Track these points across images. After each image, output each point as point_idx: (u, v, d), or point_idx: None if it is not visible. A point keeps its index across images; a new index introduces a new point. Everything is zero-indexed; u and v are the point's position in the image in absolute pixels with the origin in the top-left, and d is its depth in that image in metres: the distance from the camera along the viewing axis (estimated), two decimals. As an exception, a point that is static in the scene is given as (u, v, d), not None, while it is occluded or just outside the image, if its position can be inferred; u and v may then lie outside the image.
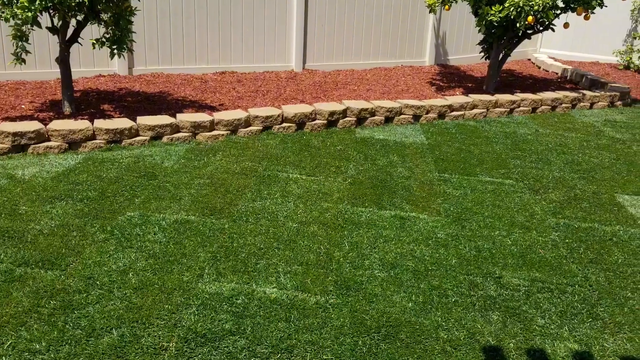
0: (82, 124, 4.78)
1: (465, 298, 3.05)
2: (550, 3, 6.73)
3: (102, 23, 5.07)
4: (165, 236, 3.46)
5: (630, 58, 10.15)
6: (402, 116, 6.23)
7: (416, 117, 6.33)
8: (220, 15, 7.75)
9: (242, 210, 3.89)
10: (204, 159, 4.77)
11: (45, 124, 4.86)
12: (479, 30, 7.64)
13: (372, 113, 6.05)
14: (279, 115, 5.56)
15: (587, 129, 6.57)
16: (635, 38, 10.23)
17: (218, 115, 5.36)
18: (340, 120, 5.89)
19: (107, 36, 5.08)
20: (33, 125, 4.64)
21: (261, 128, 5.52)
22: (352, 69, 8.96)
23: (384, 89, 7.71)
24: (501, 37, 7.65)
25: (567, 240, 3.81)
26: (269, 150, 5.08)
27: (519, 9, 6.80)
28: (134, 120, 5.12)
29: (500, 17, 6.93)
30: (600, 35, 10.58)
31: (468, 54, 10.23)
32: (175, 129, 5.13)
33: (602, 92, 7.65)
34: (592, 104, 7.57)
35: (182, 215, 3.76)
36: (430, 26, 9.48)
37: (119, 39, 5.03)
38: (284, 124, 5.61)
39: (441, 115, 6.49)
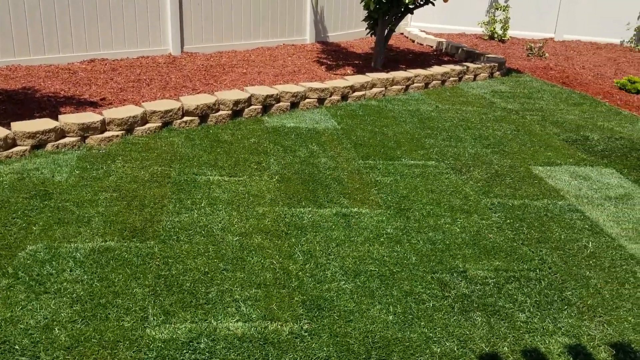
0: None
1: (442, 301, 2.87)
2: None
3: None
4: (85, 272, 2.86)
5: (494, 28, 10.72)
6: (307, 100, 5.91)
7: (320, 101, 6.05)
8: (84, -5, 6.78)
9: (169, 226, 3.36)
10: (102, 167, 4.09)
11: None
12: (365, 7, 7.49)
13: (278, 99, 5.66)
14: (179, 109, 4.96)
15: (480, 101, 6.76)
16: (497, 9, 10.81)
17: (109, 114, 4.65)
18: (246, 110, 5.43)
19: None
20: None
21: (160, 124, 4.89)
22: (233, 50, 8.41)
23: (274, 70, 7.31)
24: (386, 12, 7.58)
25: (508, 221, 3.79)
26: (177, 150, 4.51)
27: (407, -17, 6.74)
28: (7, 127, 4.25)
29: (387, -9, 6.82)
30: (466, 7, 11.02)
31: (346, 30, 10.11)
32: (61, 133, 4.35)
33: (483, 64, 7.94)
34: (475, 76, 7.82)
35: (98, 241, 3.14)
36: (309, 3, 9.18)
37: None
38: (185, 118, 5.03)
39: (344, 97, 6.27)
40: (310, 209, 3.74)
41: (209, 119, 5.19)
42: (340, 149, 4.86)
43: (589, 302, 2.94)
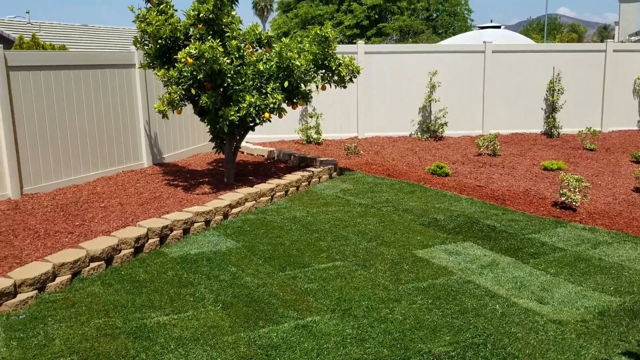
0: None
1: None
2: (279, 101, 7.67)
3: None
4: None
5: (310, 133, 12.06)
6: (196, 224, 6.12)
7: (207, 222, 6.30)
8: None
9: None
10: (40, 333, 3.83)
11: None
12: (213, 129, 8.04)
13: (171, 229, 5.78)
14: (86, 256, 4.82)
15: (337, 201, 7.65)
16: (310, 117, 12.23)
17: (17, 275, 4.34)
18: (146, 244, 5.44)
19: None
20: None
21: (70, 276, 4.68)
22: (75, 185, 8.14)
23: (135, 199, 7.31)
24: (232, 132, 8.22)
25: (429, 301, 4.51)
26: (105, 299, 4.38)
27: (257, 107, 7.52)
28: None
29: (239, 116, 7.50)
30: (283, 118, 12.21)
31: (178, 149, 10.46)
32: (-27, 306, 3.95)
33: (322, 167, 8.96)
34: (319, 178, 8.78)
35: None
36: (143, 130, 9.40)
37: None
38: (92, 264, 4.89)
39: (225, 215, 6.61)
40: (270, 327, 4.01)
41: (114, 261, 5.10)
42: (256, 266, 5.19)
43: (527, 352, 3.74)
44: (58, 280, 4.57)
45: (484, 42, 13.09)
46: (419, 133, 12.81)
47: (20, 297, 4.24)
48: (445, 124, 12.66)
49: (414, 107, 12.78)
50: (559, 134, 12.85)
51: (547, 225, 6.58)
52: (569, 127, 12.95)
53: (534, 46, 13.99)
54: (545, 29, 39.93)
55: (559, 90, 12.79)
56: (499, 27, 21.98)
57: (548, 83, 12.91)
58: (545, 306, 4.46)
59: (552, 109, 12.98)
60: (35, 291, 4.36)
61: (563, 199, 7.29)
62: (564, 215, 7.02)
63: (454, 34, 31.50)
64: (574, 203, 7.23)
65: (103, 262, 4.98)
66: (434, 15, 33.59)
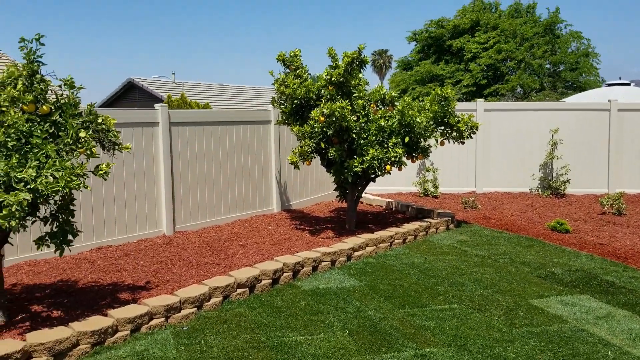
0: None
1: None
2: (400, 155, 8.30)
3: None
4: None
5: (427, 186, 12.53)
6: (323, 263, 6.82)
7: (332, 262, 6.98)
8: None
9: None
10: (201, 341, 4.64)
11: None
12: (337, 179, 8.82)
13: (302, 265, 6.51)
14: (234, 283, 5.66)
15: (454, 250, 8.02)
16: (427, 171, 12.73)
17: (182, 294, 5.25)
18: (281, 277, 6.21)
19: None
20: None
21: (221, 299, 5.53)
22: (217, 225, 9.26)
23: (268, 239, 8.19)
24: (355, 182, 8.95)
25: (542, 344, 4.77)
26: (250, 319, 5.16)
27: (379, 160, 8.21)
28: (73, 320, 4.72)
29: (362, 167, 8.22)
30: (400, 172, 12.84)
31: (303, 198, 11.39)
32: (150, 316, 4.87)
33: (440, 219, 9.37)
34: (436, 229, 9.19)
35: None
36: (274, 179, 10.44)
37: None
38: (239, 290, 5.72)
39: (348, 257, 7.25)
40: (392, 353, 4.51)
41: (256, 289, 5.90)
42: (377, 302, 5.73)
43: (640, 395, 3.91)
44: (212, 301, 5.42)
45: (609, 100, 12.95)
46: (539, 190, 12.79)
47: (184, 312, 5.12)
48: (568, 181, 12.55)
49: (534, 164, 12.83)
50: (693, 194, 12.22)
51: (672, 284, 6.49)
52: None
53: (665, 104, 13.53)
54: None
55: (692, 149, 12.25)
56: (628, 84, 21.28)
57: (680, 141, 12.41)
58: (662, 358, 4.54)
59: (685, 168, 12.40)
60: (195, 308, 5.23)
61: (691, 259, 7.11)
62: (692, 275, 6.84)
63: (578, 91, 30.67)
64: (703, 264, 7.02)
65: (247, 289, 5.80)
66: (558, 69, 32.91)
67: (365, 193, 12.54)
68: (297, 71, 8.98)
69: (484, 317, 5.40)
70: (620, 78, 23.64)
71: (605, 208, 10.84)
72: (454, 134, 9.03)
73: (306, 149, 8.44)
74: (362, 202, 11.88)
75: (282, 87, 8.83)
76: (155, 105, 8.52)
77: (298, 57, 9.02)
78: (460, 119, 8.94)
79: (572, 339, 4.91)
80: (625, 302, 5.85)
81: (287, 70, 9.10)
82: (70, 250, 6.80)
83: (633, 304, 5.79)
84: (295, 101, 8.75)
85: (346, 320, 5.22)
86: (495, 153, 12.86)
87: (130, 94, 29.18)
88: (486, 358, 4.48)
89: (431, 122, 8.66)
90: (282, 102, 9.12)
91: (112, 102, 29.85)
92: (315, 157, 8.94)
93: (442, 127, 9.07)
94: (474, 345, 4.73)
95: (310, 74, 9.12)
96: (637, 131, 12.59)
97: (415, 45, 36.10)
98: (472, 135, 9.10)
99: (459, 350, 4.62)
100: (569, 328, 5.15)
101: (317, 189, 11.91)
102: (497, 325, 5.18)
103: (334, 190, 9.51)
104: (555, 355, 4.56)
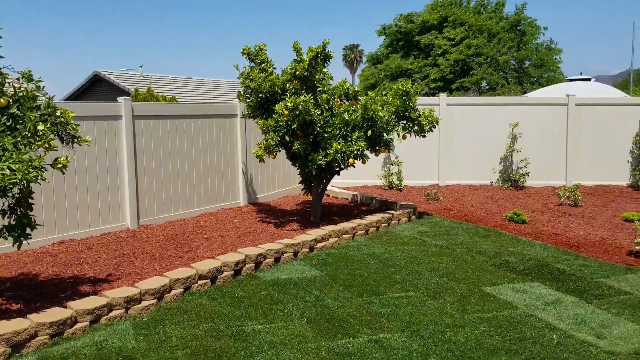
0: (15, 322, 4.30)
1: None
2: (362, 148, 8.47)
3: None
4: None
5: (392, 179, 12.76)
6: (286, 254, 6.94)
7: (295, 254, 7.11)
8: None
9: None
10: (160, 331, 4.72)
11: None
12: (302, 172, 8.95)
13: (265, 257, 6.63)
14: (195, 275, 5.75)
15: (414, 241, 8.23)
16: (392, 164, 12.96)
17: (142, 286, 5.32)
18: (243, 268, 6.32)
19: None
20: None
21: (182, 290, 5.61)
22: (182, 219, 9.29)
23: (232, 232, 8.27)
24: (320, 175, 9.09)
25: (492, 329, 4.99)
26: (210, 309, 5.26)
27: (343, 153, 8.36)
28: (33, 312, 4.76)
29: (326, 161, 8.37)
30: (366, 165, 13.03)
31: (270, 191, 11.49)
32: (110, 308, 4.93)
33: (402, 210, 9.59)
34: (398, 221, 9.41)
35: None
36: (241, 173, 10.51)
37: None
38: (200, 282, 5.81)
39: (311, 248, 7.40)
40: (347, 339, 4.67)
41: (218, 280, 6.00)
42: (337, 292, 5.89)
43: (577, 374, 4.15)
44: (173, 292, 5.50)
45: (567, 95, 13.36)
46: (500, 182, 13.14)
47: (144, 303, 5.19)
48: (527, 173, 12.93)
49: (495, 157, 13.18)
50: (646, 186, 12.72)
51: (618, 271, 6.81)
52: (656, 179, 12.79)
53: (618, 99, 14.02)
54: (631, 81, 38.68)
55: (645, 142, 12.74)
56: (588, 79, 21.88)
57: (634, 136, 12.90)
58: (602, 340, 4.81)
59: (638, 161, 12.90)
60: (156, 300, 5.30)
61: (638, 247, 7.46)
62: (638, 263, 7.18)
63: (542, 86, 31.38)
64: (648, 252, 7.38)
65: (209, 280, 5.89)
66: (523, 65, 33.59)
67: (332, 186, 12.70)
68: (263, 65, 9.05)
69: (438, 304, 5.61)
70: (581, 74, 24.25)
71: (562, 199, 11.22)
72: (416, 127, 9.23)
73: (271, 142, 8.54)
74: (328, 195, 12.03)
75: (247, 81, 8.90)
76: (118, 98, 8.50)
77: (263, 50, 9.09)
78: (421, 113, 9.15)
79: (520, 323, 5.15)
80: (574, 289, 6.13)
81: (252, 64, 9.17)
82: (29, 244, 6.79)
83: (581, 291, 6.07)
84: (261, 95, 8.83)
85: (305, 309, 5.36)
86: (458, 147, 13.16)
87: (97, 88, 28.77)
88: (437, 342, 4.67)
89: (393, 117, 8.84)
90: (248, 95, 9.18)
91: (78, 95, 29.38)
92: (280, 151, 9.04)
93: (404, 121, 9.26)
94: (426, 330, 4.92)
95: (275, 68, 9.19)
96: (594, 125, 13.03)
97: (384, 39, 36.43)
98: (432, 129, 9.32)
99: (412, 335, 4.81)
100: (518, 314, 5.39)
101: (285, 182, 12.01)
102: (449, 312, 5.39)
103: (299, 183, 9.63)
104: (503, 339, 4.79)
